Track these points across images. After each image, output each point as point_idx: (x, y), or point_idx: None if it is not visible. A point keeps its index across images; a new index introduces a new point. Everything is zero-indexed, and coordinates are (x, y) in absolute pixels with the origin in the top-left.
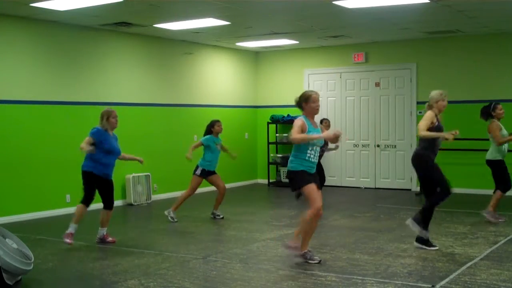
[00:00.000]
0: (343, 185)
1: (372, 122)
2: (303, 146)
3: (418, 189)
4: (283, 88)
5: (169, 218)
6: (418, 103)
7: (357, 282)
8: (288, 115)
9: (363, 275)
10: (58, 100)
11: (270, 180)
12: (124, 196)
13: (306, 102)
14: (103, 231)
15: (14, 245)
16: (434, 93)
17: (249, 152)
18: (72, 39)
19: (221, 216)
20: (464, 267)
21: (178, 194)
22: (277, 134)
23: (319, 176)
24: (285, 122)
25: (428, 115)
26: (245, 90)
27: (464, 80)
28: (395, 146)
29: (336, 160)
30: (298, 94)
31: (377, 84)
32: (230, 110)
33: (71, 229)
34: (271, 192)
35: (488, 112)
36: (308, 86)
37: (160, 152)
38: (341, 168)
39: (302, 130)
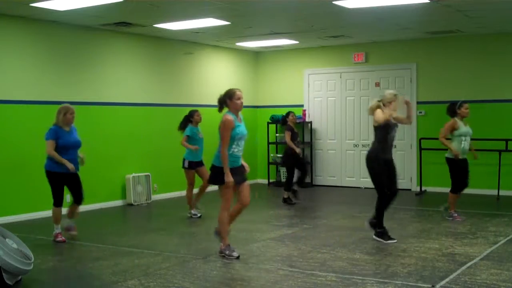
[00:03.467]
0: (343, 185)
1: (372, 122)
2: (230, 142)
3: (418, 189)
4: (283, 88)
5: (192, 215)
6: (418, 103)
7: (357, 282)
8: None
9: (363, 275)
10: (58, 100)
11: (270, 180)
12: (124, 196)
13: (231, 99)
14: (71, 222)
15: (14, 245)
16: (388, 93)
17: (249, 152)
18: (72, 39)
19: (199, 215)
20: (464, 267)
21: (178, 194)
22: (277, 134)
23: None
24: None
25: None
26: (245, 90)
27: (464, 80)
28: (395, 146)
29: (336, 160)
30: (298, 94)
31: (377, 84)
32: None
33: (57, 230)
34: (271, 192)
35: (454, 110)
36: (308, 86)
37: (160, 152)
38: (341, 168)
39: (231, 128)
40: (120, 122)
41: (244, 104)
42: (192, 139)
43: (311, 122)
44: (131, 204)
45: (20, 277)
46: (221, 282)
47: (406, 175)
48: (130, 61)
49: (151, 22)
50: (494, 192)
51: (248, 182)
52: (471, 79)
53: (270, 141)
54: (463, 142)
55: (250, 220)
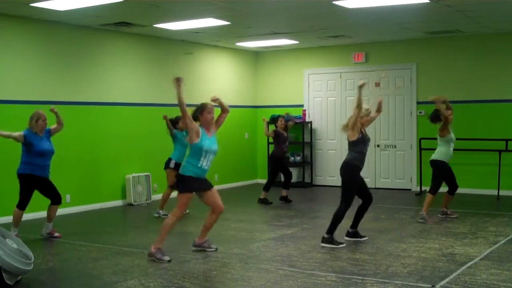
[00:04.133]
0: None
1: (372, 122)
2: (197, 153)
3: (418, 189)
4: (283, 88)
5: (162, 216)
6: (418, 103)
7: (357, 282)
8: None
9: (363, 275)
10: (58, 100)
11: None
12: (124, 196)
13: (201, 113)
14: (50, 225)
15: (14, 245)
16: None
17: (249, 152)
18: (72, 39)
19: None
20: (464, 267)
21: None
22: None
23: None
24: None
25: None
26: (245, 90)
27: (464, 80)
28: (395, 146)
29: (336, 160)
30: (298, 94)
31: (377, 84)
32: (230, 110)
33: (14, 232)
34: (271, 192)
35: (438, 115)
36: (308, 86)
37: (160, 152)
38: None
39: (196, 128)
40: (120, 122)
41: (244, 104)
42: (179, 141)
43: (311, 122)
44: (131, 204)
45: (20, 277)
46: (221, 282)
47: (406, 175)
48: (130, 61)
49: (151, 22)
50: (494, 192)
51: (215, 188)
52: (471, 79)
53: (270, 141)
54: (450, 148)
55: (250, 220)
